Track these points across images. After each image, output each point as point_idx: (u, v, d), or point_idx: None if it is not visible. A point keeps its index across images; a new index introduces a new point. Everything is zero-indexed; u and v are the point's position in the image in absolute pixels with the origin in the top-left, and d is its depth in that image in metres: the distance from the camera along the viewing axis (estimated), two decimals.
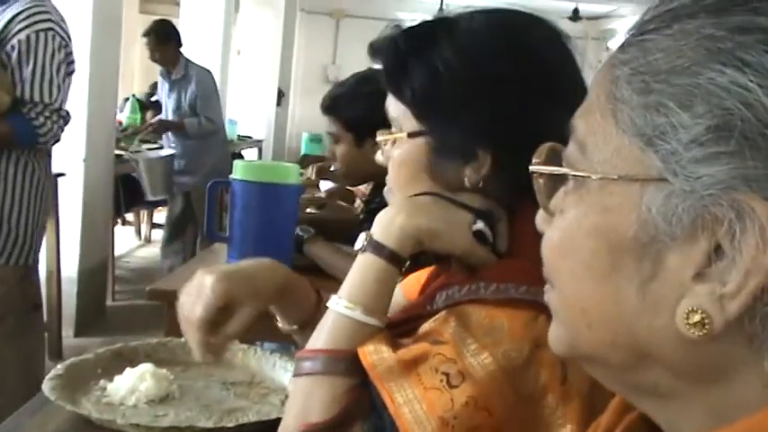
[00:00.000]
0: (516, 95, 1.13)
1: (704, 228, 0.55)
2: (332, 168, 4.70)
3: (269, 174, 2.33)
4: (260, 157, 10.68)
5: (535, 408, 1.04)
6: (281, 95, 11.77)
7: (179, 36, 6.47)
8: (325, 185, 4.46)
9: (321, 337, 1.13)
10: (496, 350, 1.04)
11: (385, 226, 1.16)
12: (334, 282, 1.22)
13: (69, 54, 3.33)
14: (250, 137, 10.46)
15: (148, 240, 8.25)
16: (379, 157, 1.29)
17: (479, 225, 1.15)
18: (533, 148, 0.72)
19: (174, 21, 7.20)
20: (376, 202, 2.59)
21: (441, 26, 1.19)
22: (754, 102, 0.53)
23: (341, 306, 1.13)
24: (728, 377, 0.57)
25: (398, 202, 1.19)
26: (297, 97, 13.65)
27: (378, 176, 2.67)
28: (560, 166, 0.67)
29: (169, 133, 6.40)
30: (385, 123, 1.27)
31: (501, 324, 1.06)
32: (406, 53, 1.20)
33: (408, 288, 1.38)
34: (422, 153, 1.21)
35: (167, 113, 6.42)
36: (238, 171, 2.30)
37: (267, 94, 11.15)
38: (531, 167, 0.70)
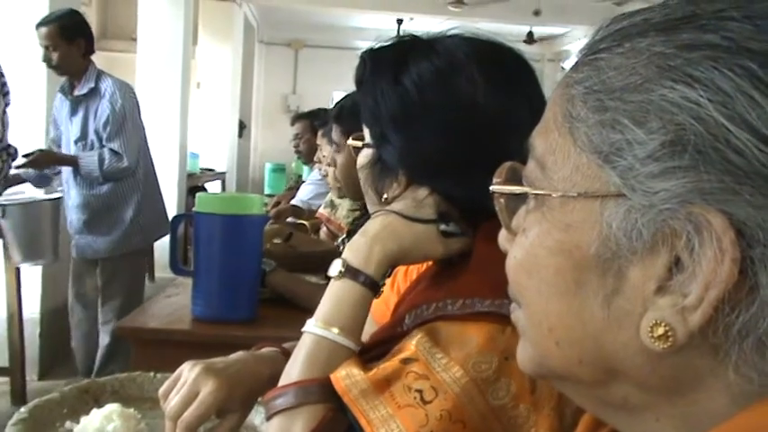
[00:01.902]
0: (439, 131, 1.18)
1: (664, 241, 0.56)
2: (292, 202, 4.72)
3: (232, 205, 2.33)
4: (223, 189, 10.66)
5: (507, 417, 1.06)
6: (243, 127, 11.77)
7: (91, 36, 4.51)
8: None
9: (293, 368, 1.13)
10: (467, 363, 1.06)
11: (362, 253, 1.19)
12: (301, 310, 1.25)
13: (4, 85, 3.28)
14: (212, 169, 10.44)
15: None
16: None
17: (446, 227, 1.19)
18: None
19: (132, 56, 7.17)
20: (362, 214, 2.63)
21: (398, 52, 1.26)
22: (705, 116, 0.54)
23: (317, 328, 1.15)
24: (696, 388, 0.58)
25: (367, 229, 1.21)
26: (258, 128, 13.67)
27: None
28: (520, 185, 0.68)
29: (69, 175, 4.48)
30: None
31: (470, 338, 1.08)
32: (366, 73, 1.27)
33: (377, 312, 1.40)
34: (368, 162, 1.29)
35: (68, 145, 4.48)
36: (200, 204, 2.29)
37: (229, 125, 11.14)
38: (491, 187, 0.71)
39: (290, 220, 4.53)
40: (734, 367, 0.56)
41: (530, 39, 11.72)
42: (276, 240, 3.24)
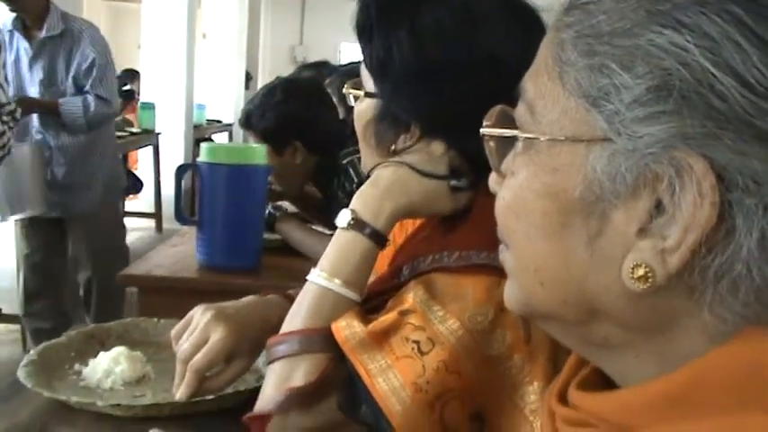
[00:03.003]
0: (459, 85, 1.16)
1: (645, 185, 0.57)
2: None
3: (236, 155, 2.34)
4: (230, 140, 10.64)
5: (503, 367, 1.07)
6: (249, 78, 11.73)
7: None
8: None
9: (296, 316, 1.15)
10: (463, 315, 1.07)
11: (370, 206, 1.18)
12: (305, 259, 1.26)
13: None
14: (219, 121, 10.43)
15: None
16: (350, 101, 1.33)
17: (457, 183, 1.19)
18: (467, 131, 0.77)
19: (137, 6, 7.14)
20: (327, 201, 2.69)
21: (408, 1, 1.21)
22: (691, 61, 0.55)
23: (321, 278, 1.15)
24: (674, 328, 0.60)
25: (378, 180, 1.21)
26: (265, 79, 13.61)
27: (309, 177, 2.75)
28: (510, 128, 0.68)
29: (34, 125, 4.04)
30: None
31: (465, 290, 1.09)
32: (373, 20, 1.23)
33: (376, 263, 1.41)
34: (371, 113, 1.26)
35: (25, 90, 4.02)
36: (205, 154, 2.31)
37: (235, 77, 11.10)
38: (481, 130, 0.72)
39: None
40: (709, 308, 0.57)
41: None
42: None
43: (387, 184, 1.19)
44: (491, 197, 0.73)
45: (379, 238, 1.17)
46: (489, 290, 1.07)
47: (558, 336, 0.70)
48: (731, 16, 0.55)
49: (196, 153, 2.44)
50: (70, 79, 4.03)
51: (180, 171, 2.44)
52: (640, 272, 0.58)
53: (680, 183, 0.55)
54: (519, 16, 1.22)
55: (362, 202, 1.19)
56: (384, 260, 1.37)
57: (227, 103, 10.94)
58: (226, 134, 10.60)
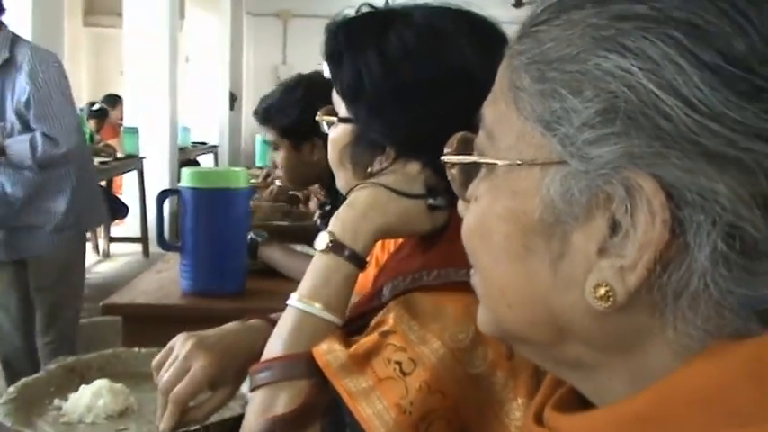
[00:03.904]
0: (431, 104, 1.17)
1: (598, 206, 0.58)
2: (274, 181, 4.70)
3: (217, 180, 2.34)
4: (216, 162, 10.64)
5: (486, 384, 1.07)
6: (234, 99, 11.74)
7: None
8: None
9: (277, 343, 1.14)
10: (443, 334, 1.07)
11: (348, 228, 1.18)
12: (291, 281, 1.25)
13: None
14: (205, 143, 10.42)
15: (107, 255, 8.14)
16: (324, 128, 1.33)
17: (434, 201, 1.18)
18: (441, 149, 0.76)
19: (119, 32, 7.14)
20: (329, 204, 2.66)
21: (375, 24, 1.23)
22: (635, 84, 0.56)
23: (301, 303, 1.15)
24: (641, 346, 0.61)
25: (354, 202, 1.20)
26: (249, 100, 13.64)
27: (319, 178, 2.74)
28: (471, 154, 0.70)
29: None
30: (319, 128, 1.34)
31: (445, 308, 1.09)
32: (341, 46, 1.24)
33: (357, 284, 1.38)
34: (347, 138, 1.25)
35: None
36: (186, 178, 2.30)
37: (219, 98, 11.11)
38: (443, 157, 0.74)
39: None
40: (672, 324, 0.58)
41: (518, 2, 11.67)
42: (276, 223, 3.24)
43: (363, 206, 1.19)
44: None
45: (358, 260, 1.17)
46: (469, 307, 1.05)
47: (532, 357, 0.71)
48: (672, 40, 0.56)
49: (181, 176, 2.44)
50: (14, 114, 3.60)
51: (161, 196, 2.42)
52: (601, 291, 0.58)
53: (631, 202, 0.56)
54: (482, 33, 1.23)
55: (340, 224, 1.19)
56: (366, 281, 1.36)
57: (211, 124, 10.94)
58: (211, 156, 10.59)
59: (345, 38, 1.25)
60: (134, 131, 7.58)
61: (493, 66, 1.13)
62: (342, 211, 1.21)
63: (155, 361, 1.31)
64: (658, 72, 0.56)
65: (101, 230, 8.11)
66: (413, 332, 1.08)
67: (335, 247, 1.17)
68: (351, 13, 1.29)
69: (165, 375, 1.27)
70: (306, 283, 1.17)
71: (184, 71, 9.91)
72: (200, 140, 10.21)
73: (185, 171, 2.33)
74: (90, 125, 7.46)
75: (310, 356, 1.10)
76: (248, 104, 13.63)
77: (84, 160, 4.07)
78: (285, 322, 1.15)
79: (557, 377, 0.73)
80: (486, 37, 1.22)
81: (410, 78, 1.18)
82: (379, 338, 1.08)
